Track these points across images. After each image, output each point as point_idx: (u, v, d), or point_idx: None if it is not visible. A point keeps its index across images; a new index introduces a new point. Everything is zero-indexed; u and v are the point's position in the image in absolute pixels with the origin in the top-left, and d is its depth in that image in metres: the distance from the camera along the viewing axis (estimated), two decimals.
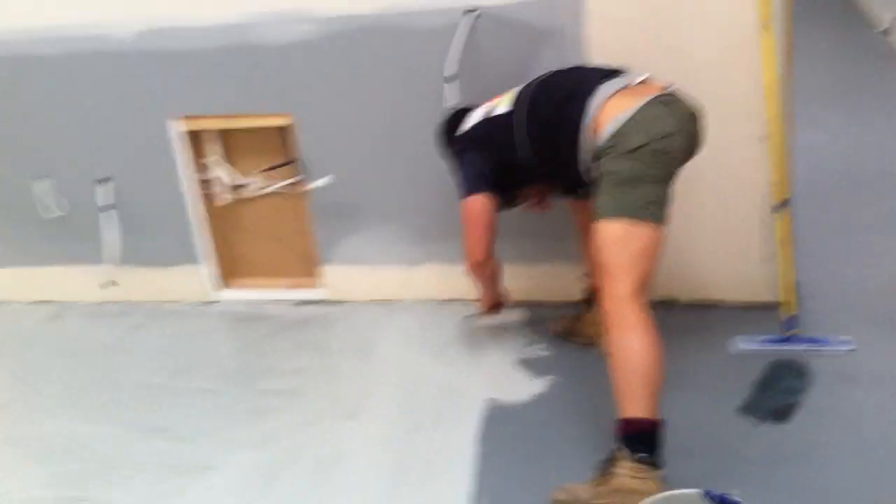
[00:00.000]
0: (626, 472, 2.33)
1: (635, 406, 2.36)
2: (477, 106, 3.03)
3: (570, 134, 2.62)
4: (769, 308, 3.32)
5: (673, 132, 2.52)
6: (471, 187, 2.89)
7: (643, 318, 2.42)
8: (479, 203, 2.87)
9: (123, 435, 3.03)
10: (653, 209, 2.47)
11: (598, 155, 2.56)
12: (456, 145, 3.02)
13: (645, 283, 2.47)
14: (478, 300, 3.27)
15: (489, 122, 2.90)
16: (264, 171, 3.78)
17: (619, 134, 2.50)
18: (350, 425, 2.94)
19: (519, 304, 3.55)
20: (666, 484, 2.30)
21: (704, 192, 3.30)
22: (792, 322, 3.13)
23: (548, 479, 2.49)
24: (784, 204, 3.12)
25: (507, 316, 3.46)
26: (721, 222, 3.36)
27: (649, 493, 2.20)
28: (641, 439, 2.35)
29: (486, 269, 3.03)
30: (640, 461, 2.33)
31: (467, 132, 2.97)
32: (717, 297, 3.46)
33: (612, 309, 2.44)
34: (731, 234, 3.37)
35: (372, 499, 2.57)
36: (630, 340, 2.39)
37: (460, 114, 3.08)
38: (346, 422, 2.96)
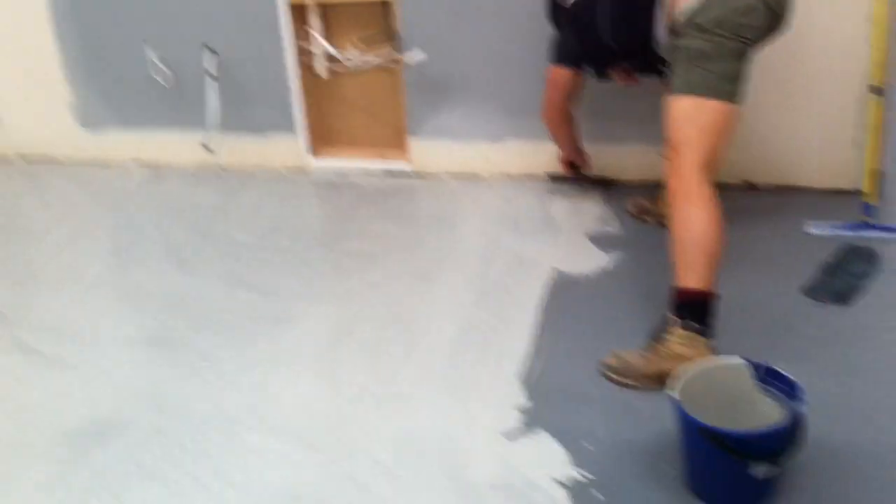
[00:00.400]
0: (677, 339, 2.41)
1: (691, 276, 2.41)
2: None
3: (651, 12, 2.64)
4: (851, 195, 3.30)
5: (755, 6, 2.46)
6: (554, 58, 3.26)
7: (707, 192, 2.45)
8: (557, 74, 3.26)
9: (213, 286, 3.23)
10: (725, 86, 2.46)
11: (677, 32, 2.55)
12: (557, 16, 3.20)
13: (712, 160, 2.49)
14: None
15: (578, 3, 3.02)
16: (362, 40, 3.85)
17: (698, 9, 2.47)
18: (424, 287, 3.08)
19: (602, 182, 3.60)
20: (717, 353, 2.37)
21: (801, 72, 3.27)
22: (869, 210, 3.10)
23: (603, 347, 2.59)
24: (879, 90, 3.06)
25: (587, 193, 3.53)
26: (815, 104, 3.33)
27: (698, 360, 2.27)
28: (694, 309, 2.42)
29: (554, 126, 3.42)
30: (690, 329, 2.40)
31: (565, 6, 3.10)
32: (800, 183, 3.44)
33: (677, 182, 2.47)
34: (823, 116, 3.34)
35: (437, 353, 2.71)
36: (692, 213, 2.43)
37: None
38: (420, 284, 3.10)
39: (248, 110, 4.11)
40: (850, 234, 3.08)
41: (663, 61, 2.69)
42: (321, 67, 3.96)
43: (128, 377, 2.73)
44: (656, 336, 2.49)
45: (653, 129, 3.22)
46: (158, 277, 3.33)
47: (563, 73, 3.24)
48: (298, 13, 3.91)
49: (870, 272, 2.86)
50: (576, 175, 3.64)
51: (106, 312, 3.14)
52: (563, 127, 3.41)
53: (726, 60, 2.47)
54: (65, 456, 2.39)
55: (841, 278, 2.85)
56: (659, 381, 2.41)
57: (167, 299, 3.17)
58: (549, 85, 3.29)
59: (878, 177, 3.17)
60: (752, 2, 2.46)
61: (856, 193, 3.28)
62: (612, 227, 3.34)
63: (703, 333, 2.40)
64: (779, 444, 1.93)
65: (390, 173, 4.02)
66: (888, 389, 2.35)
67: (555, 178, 3.73)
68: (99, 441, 2.44)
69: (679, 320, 2.42)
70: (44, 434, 2.49)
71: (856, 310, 2.71)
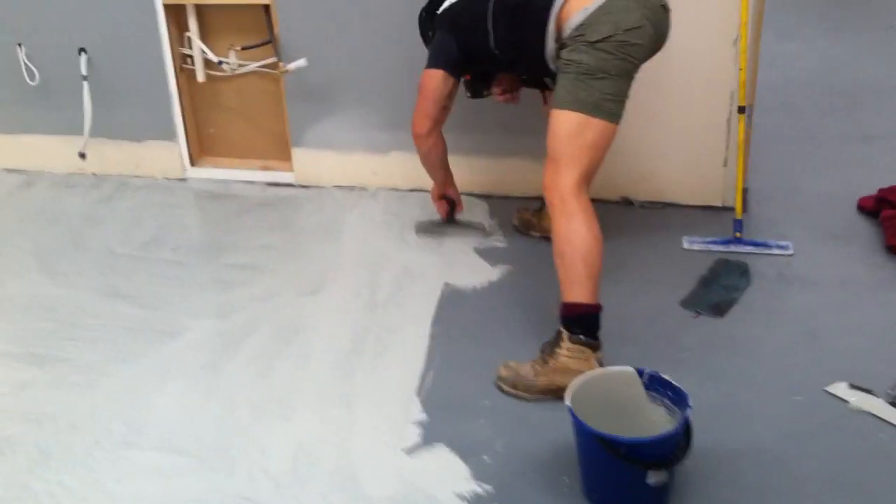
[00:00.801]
0: (566, 352, 2.48)
1: (577, 290, 2.49)
2: None
3: (539, 22, 2.63)
4: (722, 211, 3.47)
5: (641, 24, 2.55)
6: (431, 61, 2.99)
7: (586, 206, 2.53)
8: (433, 78, 2.98)
9: (89, 299, 3.12)
10: (609, 105, 2.54)
11: (564, 44, 2.60)
12: (435, 21, 3.03)
13: (590, 176, 2.58)
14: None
15: (464, 5, 2.91)
16: (242, 49, 3.80)
17: (586, 24, 2.53)
18: (311, 300, 3.06)
19: (482, 197, 3.66)
20: (603, 365, 2.46)
21: (672, 93, 3.41)
22: (738, 225, 3.27)
23: (495, 358, 2.63)
24: (744, 110, 3.23)
25: (471, 208, 3.58)
26: (686, 124, 3.48)
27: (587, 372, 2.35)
28: (582, 322, 2.49)
29: (426, 144, 3.11)
30: (579, 342, 2.47)
31: (444, 10, 2.99)
32: (674, 199, 3.59)
33: (557, 197, 2.53)
34: (694, 136, 3.48)
35: (329, 365, 2.70)
36: (573, 227, 2.50)
37: None
38: (307, 296, 3.08)
39: (124, 116, 3.99)
40: (722, 248, 3.23)
41: (549, 73, 2.75)
42: (200, 72, 3.89)
43: (6, 394, 2.62)
44: (547, 349, 2.55)
45: (533, 141, 3.31)
46: (32, 289, 3.19)
47: (438, 77, 2.96)
48: (175, 16, 3.83)
49: (741, 285, 3.01)
50: (447, 217, 3.44)
51: None
52: (435, 148, 3.15)
53: (613, 79, 2.54)
54: None
55: (716, 291, 2.99)
56: (550, 392, 2.48)
57: (42, 313, 3.05)
58: (422, 92, 3.02)
59: (746, 193, 3.34)
60: (639, 20, 2.54)
61: (727, 209, 3.45)
62: (498, 241, 3.40)
63: (591, 346, 2.48)
64: (670, 450, 2.02)
65: (273, 184, 3.97)
66: (764, 396, 2.49)
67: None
68: None
69: (568, 333, 2.49)
70: None
71: (730, 320, 2.85)
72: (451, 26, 2.95)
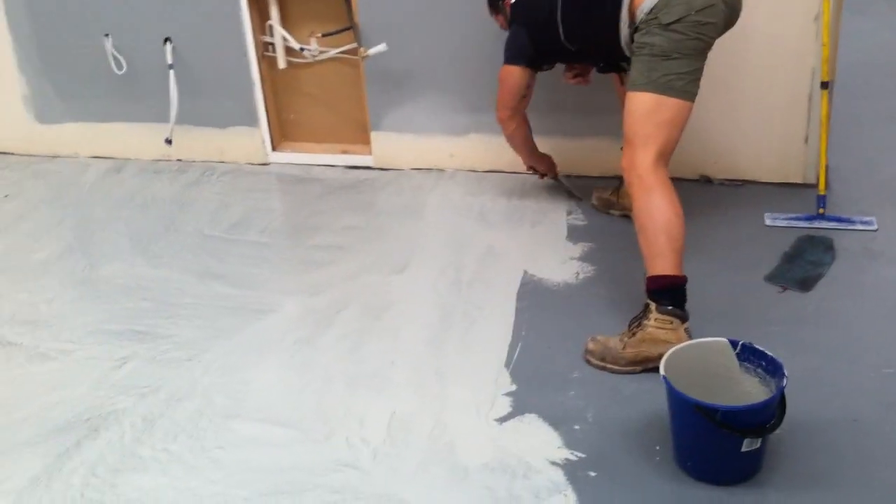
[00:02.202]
0: (654, 323, 2.52)
1: (661, 263, 2.53)
2: None
3: (611, 12, 2.68)
4: (802, 188, 3.47)
5: (714, 2, 2.57)
6: (508, 58, 3.10)
7: (665, 181, 2.57)
8: (512, 74, 3.10)
9: (184, 279, 3.23)
10: (683, 84, 2.57)
11: (638, 28, 2.64)
12: (512, 11, 3.09)
13: (667, 154, 2.61)
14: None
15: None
16: (323, 35, 3.88)
17: (659, 6, 2.57)
18: (398, 278, 3.13)
19: (564, 177, 3.70)
20: (692, 335, 2.49)
21: (752, 70, 3.40)
22: (822, 201, 3.26)
23: (581, 333, 2.68)
24: (826, 85, 3.22)
25: (551, 186, 3.62)
26: (766, 101, 3.47)
27: (676, 342, 2.37)
28: (668, 294, 2.53)
29: (509, 127, 3.27)
30: (667, 313, 2.51)
31: (518, 3, 3.05)
32: (754, 177, 3.59)
33: (636, 176, 2.58)
34: (774, 113, 3.48)
35: (419, 340, 2.77)
36: (653, 202, 2.54)
37: None
38: (394, 275, 3.15)
39: (208, 103, 4.09)
40: (805, 224, 3.23)
41: (625, 58, 2.78)
42: (281, 59, 3.98)
43: (109, 369, 2.73)
44: (635, 322, 2.59)
45: (610, 120, 3.34)
46: (129, 271, 3.31)
47: (516, 73, 3.10)
48: (257, 4, 3.92)
49: (826, 260, 3.01)
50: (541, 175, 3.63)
51: (80, 306, 3.12)
52: (519, 130, 3.30)
53: (687, 59, 2.58)
54: (57, 449, 2.39)
55: (800, 266, 2.99)
56: (638, 364, 2.52)
57: (141, 292, 3.16)
58: (502, 85, 3.16)
59: (827, 170, 3.33)
60: None
61: (808, 186, 3.45)
62: (579, 220, 3.43)
63: (678, 316, 2.51)
64: (766, 418, 2.05)
65: (352, 167, 4.05)
66: (855, 369, 2.50)
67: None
68: (89, 432, 2.45)
69: (656, 305, 2.52)
70: (34, 428, 2.49)
71: (817, 295, 2.85)
72: (524, 19, 3.02)
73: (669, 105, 2.57)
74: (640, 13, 2.61)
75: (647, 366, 2.49)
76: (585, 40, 2.88)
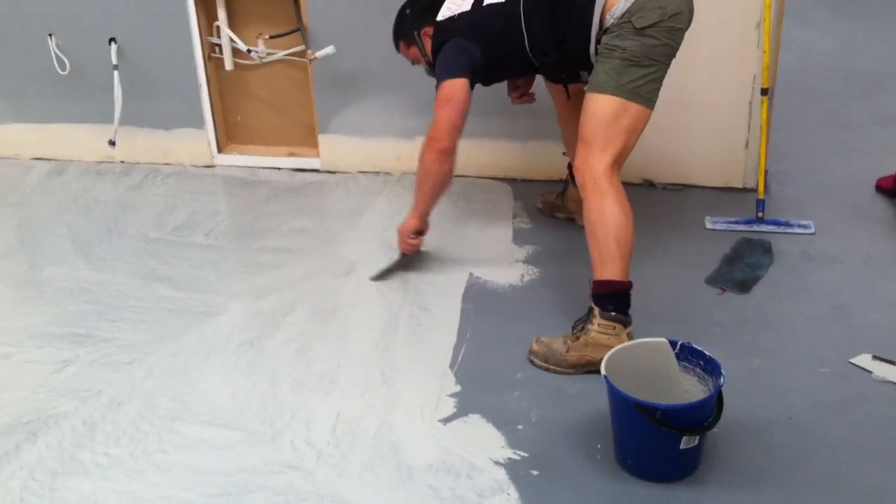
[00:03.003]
0: (598, 328, 2.55)
1: (609, 268, 2.55)
2: None
3: (582, 15, 2.63)
4: (743, 192, 3.54)
5: (682, 9, 2.60)
6: (454, 71, 2.84)
7: (618, 186, 2.59)
8: (461, 88, 2.83)
9: (127, 282, 3.20)
10: (648, 91, 2.59)
11: (608, 30, 2.61)
12: (440, 32, 2.93)
13: (622, 159, 2.63)
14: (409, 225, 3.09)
15: (484, 11, 2.85)
16: (271, 37, 3.87)
17: (633, 10, 2.55)
18: (345, 281, 3.14)
19: (506, 181, 3.73)
20: (633, 339, 2.53)
21: (694, 76, 3.46)
22: (761, 205, 3.33)
23: (525, 334, 2.71)
24: (766, 92, 3.29)
25: (497, 189, 3.64)
26: (708, 107, 3.54)
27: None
28: (614, 299, 2.56)
29: (449, 161, 2.90)
30: (610, 319, 2.54)
31: (455, 19, 2.90)
32: (696, 181, 3.65)
33: (590, 179, 2.59)
34: (716, 118, 3.55)
35: (365, 342, 2.78)
36: (606, 207, 2.56)
37: (429, 2, 3.01)
38: (341, 278, 3.16)
39: (153, 104, 4.07)
40: (744, 227, 3.30)
41: (588, 66, 2.70)
42: (228, 61, 3.96)
43: (50, 372, 2.70)
44: (579, 325, 2.62)
45: (556, 125, 3.37)
46: (72, 273, 3.27)
47: (465, 86, 2.84)
48: (205, 5, 3.90)
49: (765, 262, 3.08)
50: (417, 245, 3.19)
51: (21, 309, 3.08)
52: (454, 164, 2.94)
53: (656, 65, 2.59)
54: None
55: (739, 268, 3.05)
56: (581, 367, 2.55)
57: (84, 295, 3.12)
58: (450, 104, 2.83)
59: (767, 175, 3.41)
60: (680, 5, 2.60)
61: (748, 190, 3.52)
62: (524, 223, 3.47)
63: (622, 322, 2.55)
64: (704, 416, 2.09)
65: (300, 170, 4.04)
66: (792, 369, 2.55)
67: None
68: (29, 436, 2.42)
69: (600, 310, 2.55)
70: None
71: (757, 297, 2.91)
72: (472, 33, 2.85)
73: (633, 111, 2.58)
74: (611, 17, 2.58)
75: (590, 369, 2.52)
76: (553, 48, 2.77)
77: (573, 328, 2.64)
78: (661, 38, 2.57)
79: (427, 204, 3.04)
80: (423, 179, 2.97)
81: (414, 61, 3.16)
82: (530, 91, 3.27)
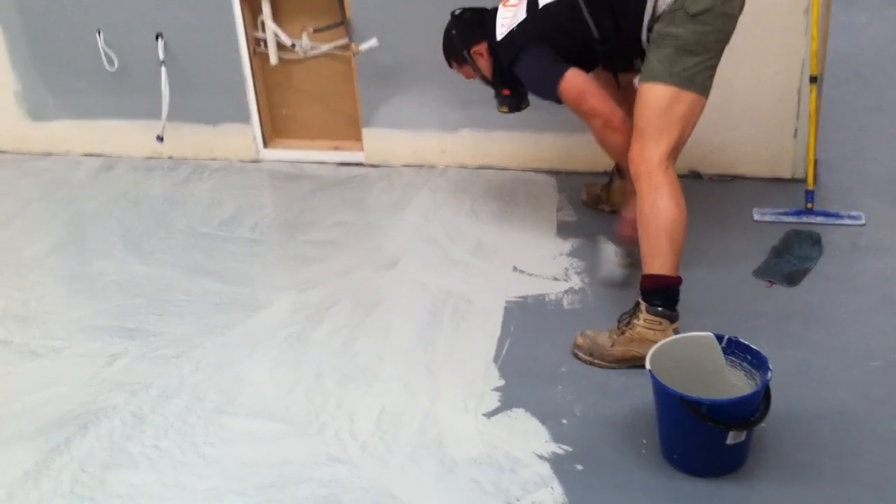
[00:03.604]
0: (644, 323, 2.52)
1: (659, 263, 2.52)
2: (488, 8, 2.98)
3: (638, 1, 2.60)
4: (791, 182, 3.48)
5: None
6: (556, 71, 2.77)
7: (673, 179, 2.55)
8: (575, 75, 2.76)
9: (176, 276, 3.24)
10: (703, 79, 2.55)
11: (660, 17, 2.57)
12: (506, 48, 2.89)
13: (678, 150, 2.59)
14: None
15: (544, 13, 2.81)
16: (315, 31, 3.89)
17: None
18: (388, 273, 3.15)
19: (550, 173, 3.71)
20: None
21: (742, 64, 3.40)
22: (810, 196, 3.27)
23: (569, 328, 2.69)
24: (815, 79, 3.24)
25: (540, 182, 3.63)
26: (756, 95, 3.48)
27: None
28: (662, 294, 2.53)
29: (625, 129, 2.75)
30: (657, 314, 2.52)
31: (515, 31, 2.85)
32: (743, 172, 3.61)
33: (644, 171, 2.56)
34: (764, 107, 3.49)
35: (409, 335, 2.79)
36: (660, 200, 2.53)
37: (475, 18, 3.02)
38: (384, 270, 3.17)
39: (200, 100, 4.11)
40: (793, 219, 3.25)
41: (641, 54, 2.67)
42: (273, 55, 3.98)
43: (100, 366, 2.75)
44: (625, 319, 2.60)
45: None
46: (121, 267, 3.32)
47: (577, 72, 2.76)
48: (249, 0, 3.92)
49: (814, 254, 3.03)
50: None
51: (71, 302, 3.13)
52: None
53: (709, 52, 2.55)
54: (47, 445, 2.40)
55: (788, 261, 3.00)
56: (626, 362, 2.53)
57: (132, 289, 3.17)
58: (584, 92, 2.76)
59: (816, 164, 3.35)
60: None
61: (797, 181, 3.47)
62: (569, 216, 3.45)
63: (669, 318, 2.52)
64: (751, 411, 2.06)
65: (344, 164, 4.06)
66: (842, 362, 2.51)
67: None
68: (79, 428, 2.46)
69: (647, 305, 2.53)
70: (24, 424, 2.50)
71: (805, 289, 2.87)
72: (539, 36, 2.81)
73: (688, 100, 2.54)
74: (664, 3, 2.55)
75: (634, 364, 2.50)
76: (612, 35, 2.73)
77: (619, 322, 2.62)
78: (714, 24, 2.53)
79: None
80: (616, 154, 2.88)
81: (467, 76, 3.14)
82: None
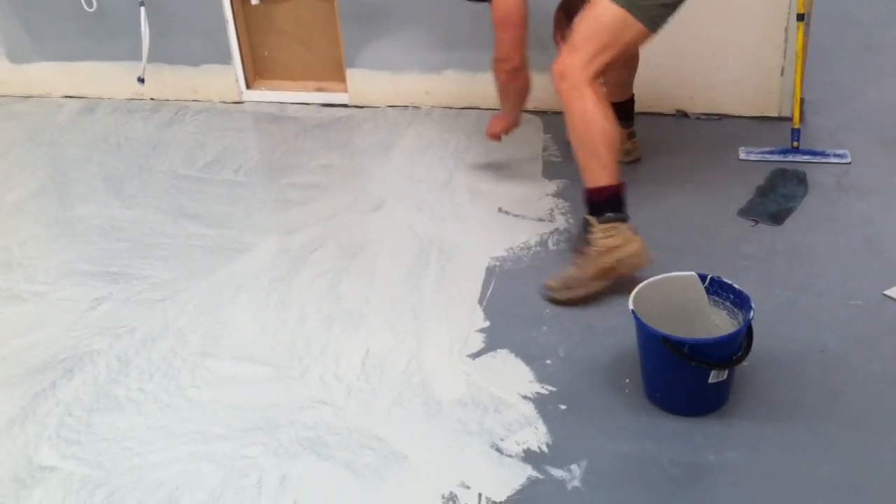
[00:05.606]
0: (601, 233, 2.53)
1: (601, 174, 2.52)
2: None
3: None
4: (778, 121, 3.47)
5: None
6: None
7: (601, 94, 2.54)
8: (512, 2, 2.74)
9: (158, 219, 3.22)
10: (656, 14, 2.52)
11: None
12: None
13: (602, 72, 2.56)
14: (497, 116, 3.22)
15: None
16: None
17: None
18: (373, 216, 3.13)
19: (536, 113, 3.68)
20: (638, 233, 2.53)
21: (728, 2, 3.37)
22: (796, 135, 3.26)
23: (553, 269, 2.69)
24: (802, 17, 3.20)
25: (526, 122, 3.59)
26: (742, 34, 3.45)
27: (625, 244, 2.47)
28: (610, 202, 2.53)
29: (521, 77, 2.91)
30: (608, 220, 2.52)
31: None
32: (728, 111, 3.58)
33: (570, 84, 2.52)
34: (750, 46, 3.46)
35: (394, 277, 2.78)
36: (588, 109, 2.50)
37: None
38: (369, 213, 3.15)
39: (180, 41, 4.05)
40: (779, 158, 3.24)
41: None
42: None
43: (84, 310, 2.74)
44: (580, 242, 2.61)
45: None
46: (103, 211, 3.30)
47: (517, 2, 2.74)
48: None
49: (799, 193, 3.02)
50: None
51: (54, 247, 3.11)
52: (526, 78, 2.98)
53: None
54: (32, 389, 2.40)
55: (773, 200, 3.00)
56: (602, 276, 2.54)
57: (115, 233, 3.15)
58: (508, 20, 2.77)
59: (803, 103, 3.33)
60: None
61: (783, 119, 3.45)
62: (554, 156, 3.43)
63: (620, 219, 2.53)
64: (733, 350, 2.08)
65: (328, 105, 4.02)
66: (821, 300, 2.52)
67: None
68: (65, 373, 2.46)
69: (595, 217, 2.53)
70: (9, 369, 2.49)
71: (789, 229, 2.87)
72: None
73: (635, 29, 2.51)
74: None
75: (611, 276, 2.51)
76: None
77: (575, 252, 2.63)
78: None
79: (509, 107, 3.09)
80: (504, 97, 3.03)
81: None
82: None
